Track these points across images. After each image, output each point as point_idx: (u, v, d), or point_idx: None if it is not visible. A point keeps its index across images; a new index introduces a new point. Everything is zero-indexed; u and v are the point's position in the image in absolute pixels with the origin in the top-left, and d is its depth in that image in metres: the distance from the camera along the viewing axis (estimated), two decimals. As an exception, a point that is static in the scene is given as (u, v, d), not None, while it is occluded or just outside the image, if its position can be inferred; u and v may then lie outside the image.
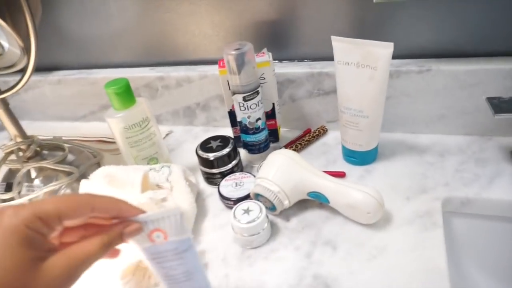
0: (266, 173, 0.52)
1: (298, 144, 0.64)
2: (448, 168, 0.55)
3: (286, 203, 0.51)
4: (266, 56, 0.59)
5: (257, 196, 0.52)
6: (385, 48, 0.48)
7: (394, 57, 0.59)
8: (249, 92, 0.55)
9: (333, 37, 0.51)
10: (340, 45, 0.51)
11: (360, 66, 0.50)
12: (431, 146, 0.60)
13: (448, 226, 0.53)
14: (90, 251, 0.30)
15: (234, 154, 0.59)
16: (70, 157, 0.66)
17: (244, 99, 0.56)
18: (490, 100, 0.50)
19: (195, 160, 0.60)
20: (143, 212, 0.34)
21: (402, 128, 0.63)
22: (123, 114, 0.54)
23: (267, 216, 0.50)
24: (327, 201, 0.50)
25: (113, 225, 0.33)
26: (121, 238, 0.33)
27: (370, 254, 0.46)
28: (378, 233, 0.48)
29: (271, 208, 0.52)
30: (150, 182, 0.55)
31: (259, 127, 0.59)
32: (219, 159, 0.58)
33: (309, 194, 0.51)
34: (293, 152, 0.54)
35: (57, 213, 0.30)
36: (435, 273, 0.42)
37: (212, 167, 0.59)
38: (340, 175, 0.57)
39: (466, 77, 0.55)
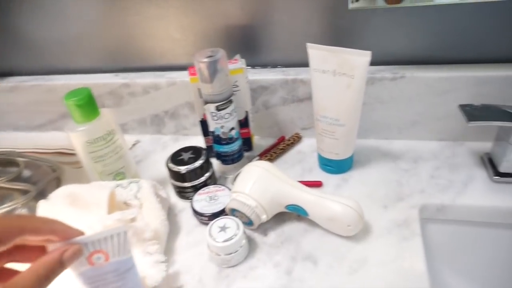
0: (242, 187, 0.50)
1: (273, 152, 0.62)
2: (423, 174, 0.56)
3: (264, 218, 0.49)
4: (239, 63, 0.57)
5: (233, 211, 0.50)
6: (362, 56, 0.47)
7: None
8: (222, 101, 0.53)
9: (308, 45, 0.50)
10: (316, 52, 0.50)
11: (337, 74, 0.49)
12: (405, 152, 0.60)
13: (424, 233, 0.53)
14: None
15: (207, 166, 0.56)
16: (26, 172, 0.61)
17: (217, 109, 0.53)
18: (463, 107, 0.50)
19: (165, 171, 0.57)
20: (80, 232, 0.31)
21: (376, 135, 0.63)
22: (85, 127, 0.50)
23: (245, 232, 0.48)
24: (306, 214, 0.48)
25: (48, 251, 0.30)
26: (61, 266, 0.29)
27: (351, 267, 0.45)
28: (358, 245, 0.47)
29: (248, 223, 0.49)
30: (117, 200, 0.51)
31: (232, 137, 0.57)
32: (191, 172, 0.55)
33: (287, 207, 0.49)
34: (269, 163, 0.52)
35: None
36: (417, 283, 0.42)
37: (184, 181, 0.56)
38: (317, 184, 0.56)
39: (438, 84, 0.56)
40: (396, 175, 0.56)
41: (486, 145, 0.57)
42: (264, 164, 0.51)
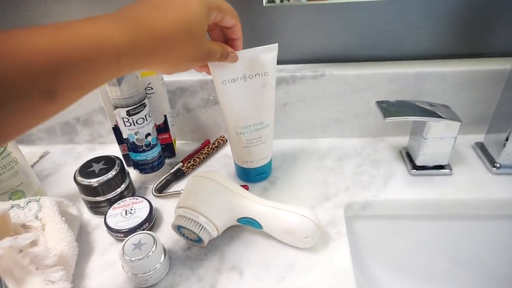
0: (188, 201, 0.44)
1: (197, 158, 0.59)
2: (347, 172, 0.56)
3: (215, 234, 0.44)
4: (152, 63, 0.52)
5: (179, 229, 0.45)
6: (271, 51, 0.45)
7: (289, 62, 0.58)
8: (134, 105, 0.48)
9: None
10: (220, 65, 0.45)
11: (248, 78, 0.46)
12: (330, 150, 0.60)
13: (350, 230, 0.53)
14: None
15: (122, 177, 0.51)
16: None
17: (129, 114, 0.48)
18: (380, 104, 0.51)
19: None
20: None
21: (301, 134, 0.63)
22: (-34, 140, 0.43)
23: (163, 247, 0.44)
24: (260, 227, 0.45)
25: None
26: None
27: (279, 275, 0.43)
28: (284, 251, 0.45)
29: (197, 240, 0.45)
30: (14, 223, 0.44)
31: (149, 143, 0.52)
32: (104, 185, 0.49)
33: (239, 220, 0.46)
34: (218, 173, 0.47)
35: None
36: (344, 284, 0.41)
37: (97, 195, 0.50)
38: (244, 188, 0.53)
39: (357, 82, 0.56)
40: (322, 174, 0.56)
41: (404, 140, 0.59)
42: (212, 174, 0.47)
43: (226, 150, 0.63)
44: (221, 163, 0.60)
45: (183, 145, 0.64)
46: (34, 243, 0.43)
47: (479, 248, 0.54)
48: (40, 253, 0.41)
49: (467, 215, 0.52)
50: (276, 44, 0.45)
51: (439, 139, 0.50)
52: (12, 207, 0.45)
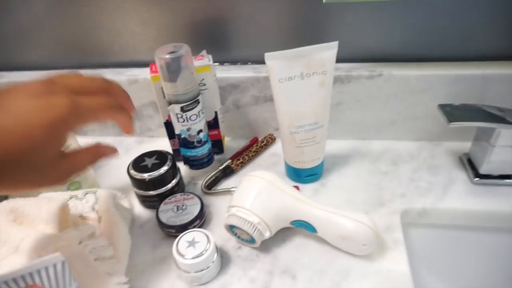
0: (242, 201, 0.44)
1: (245, 155, 0.58)
2: (403, 177, 0.53)
3: (267, 235, 0.43)
4: (206, 59, 0.52)
5: (232, 228, 0.45)
6: (331, 49, 0.44)
7: (345, 60, 0.56)
8: (188, 101, 0.48)
9: (267, 55, 0.44)
10: (278, 62, 0.44)
11: (305, 76, 0.45)
12: (383, 153, 0.58)
13: (406, 237, 0.50)
14: None
15: (173, 172, 0.52)
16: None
17: (183, 110, 0.48)
18: (443, 107, 0.48)
19: (128, 178, 0.52)
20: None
21: (354, 135, 0.60)
22: (31, 132, 0.44)
23: (216, 246, 0.43)
24: (314, 230, 0.44)
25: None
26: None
27: (333, 281, 0.41)
28: (338, 256, 0.44)
29: (250, 240, 0.45)
30: (72, 213, 0.45)
31: (201, 140, 0.52)
32: (156, 180, 0.50)
33: (292, 223, 0.45)
34: (272, 173, 0.46)
35: None
36: (402, 296, 0.39)
37: (148, 189, 0.50)
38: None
39: (416, 82, 0.53)
40: (375, 178, 0.54)
41: (464, 145, 0.55)
42: (267, 175, 0.46)
43: (275, 148, 0.62)
44: (269, 162, 0.59)
45: (230, 142, 0.64)
46: (91, 235, 0.44)
47: (545, 265, 0.50)
48: (98, 245, 0.41)
49: (535, 229, 0.48)
50: (337, 42, 0.44)
51: (509, 147, 0.47)
52: (71, 197, 0.46)
